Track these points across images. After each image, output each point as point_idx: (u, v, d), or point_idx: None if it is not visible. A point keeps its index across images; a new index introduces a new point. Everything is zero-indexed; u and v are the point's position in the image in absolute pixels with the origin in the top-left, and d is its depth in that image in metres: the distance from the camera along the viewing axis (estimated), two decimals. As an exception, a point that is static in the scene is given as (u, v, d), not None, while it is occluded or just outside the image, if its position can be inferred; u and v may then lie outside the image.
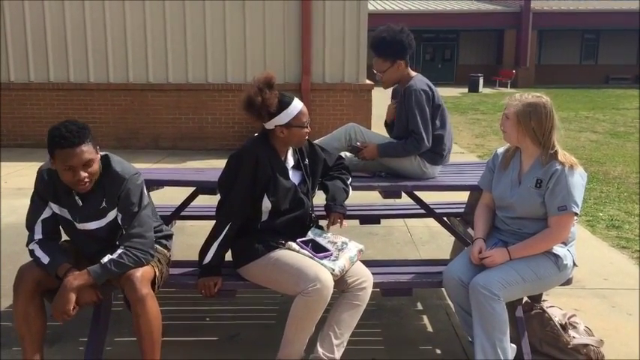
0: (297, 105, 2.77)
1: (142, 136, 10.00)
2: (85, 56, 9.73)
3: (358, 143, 3.46)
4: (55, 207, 2.66)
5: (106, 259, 2.54)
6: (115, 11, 9.58)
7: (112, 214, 2.66)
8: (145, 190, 2.73)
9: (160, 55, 9.72)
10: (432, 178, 3.55)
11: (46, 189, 2.64)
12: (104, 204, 2.63)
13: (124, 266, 2.55)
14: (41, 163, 2.77)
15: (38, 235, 2.67)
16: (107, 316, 2.93)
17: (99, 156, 2.59)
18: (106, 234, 2.70)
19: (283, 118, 2.74)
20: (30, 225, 2.69)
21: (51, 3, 9.57)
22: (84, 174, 2.49)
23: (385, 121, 3.78)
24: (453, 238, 4.13)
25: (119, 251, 2.57)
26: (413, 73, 3.52)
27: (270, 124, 2.76)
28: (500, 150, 2.96)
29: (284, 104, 2.74)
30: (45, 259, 2.57)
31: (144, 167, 7.35)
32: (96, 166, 2.55)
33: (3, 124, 9.94)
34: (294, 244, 2.75)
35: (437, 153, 3.48)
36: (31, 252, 2.64)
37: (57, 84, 9.82)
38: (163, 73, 9.80)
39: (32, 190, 2.73)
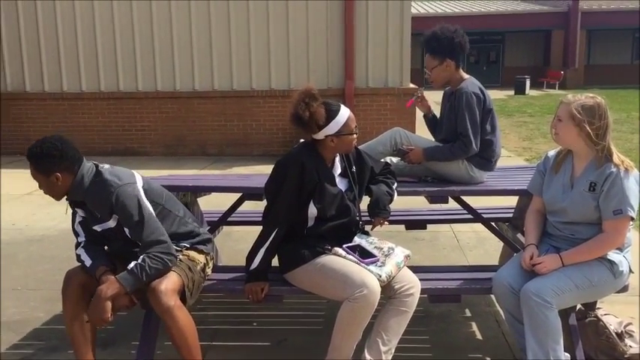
0: (344, 112, 2.77)
1: (188, 142, 10.18)
2: (134, 66, 9.98)
3: (404, 147, 3.43)
4: (79, 210, 2.78)
5: (132, 264, 2.57)
6: (162, 23, 9.80)
7: (110, 223, 2.68)
8: (144, 198, 2.68)
9: (205, 63, 9.89)
10: (480, 183, 3.49)
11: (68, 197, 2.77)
12: (96, 213, 2.69)
13: (150, 270, 2.55)
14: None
15: (82, 238, 2.78)
16: (158, 320, 2.97)
17: (51, 179, 2.63)
18: (116, 233, 2.73)
19: (333, 127, 2.73)
20: (73, 229, 2.83)
21: (102, 17, 9.86)
22: (42, 190, 2.68)
23: (424, 115, 3.74)
24: (500, 244, 4.05)
25: (142, 257, 2.58)
26: (465, 76, 3.47)
27: (319, 135, 2.76)
28: (551, 153, 2.89)
29: (332, 114, 2.73)
30: (87, 262, 2.67)
31: (191, 173, 7.49)
32: (50, 188, 2.66)
33: (56, 133, 10.24)
34: (340, 250, 2.75)
35: (486, 158, 3.42)
36: (78, 256, 2.75)
37: (107, 93, 10.11)
38: (209, 81, 9.96)
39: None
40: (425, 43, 3.46)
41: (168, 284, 2.58)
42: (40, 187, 2.67)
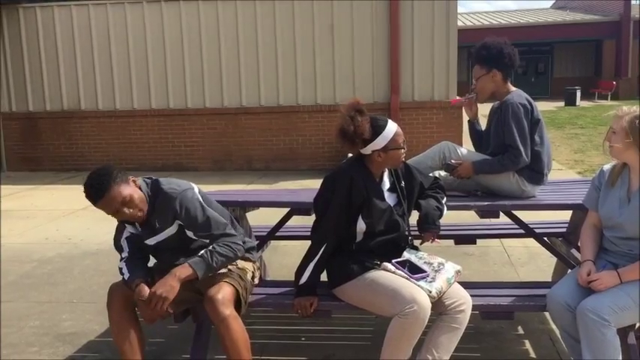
0: (392, 127, 2.76)
1: (235, 157, 10.33)
2: (184, 83, 10.23)
3: (453, 161, 3.38)
4: (129, 227, 2.84)
5: (201, 252, 2.66)
6: (210, 41, 10.03)
7: (169, 230, 2.77)
8: (202, 200, 2.79)
9: (252, 79, 10.06)
10: (532, 197, 3.41)
11: None
12: (157, 224, 2.75)
13: (220, 255, 2.65)
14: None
15: (125, 253, 2.84)
16: (208, 334, 3.02)
17: (133, 187, 2.69)
18: (173, 243, 2.80)
19: (380, 142, 2.73)
20: (117, 244, 2.88)
21: (153, 38, 10.15)
22: (128, 210, 2.65)
23: (468, 120, 3.69)
24: (553, 259, 3.95)
25: (212, 245, 2.68)
26: (512, 88, 3.42)
27: (366, 150, 2.75)
28: (607, 167, 2.81)
29: (379, 129, 2.73)
30: (126, 275, 2.74)
31: (238, 188, 7.58)
32: (135, 198, 2.67)
33: (109, 149, 10.60)
34: (389, 265, 2.73)
35: (536, 171, 3.34)
36: (120, 269, 2.81)
37: (158, 110, 10.37)
38: (256, 97, 10.11)
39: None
40: (475, 52, 3.45)
41: (225, 294, 2.64)
42: (125, 207, 2.65)
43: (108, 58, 10.37)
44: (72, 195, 8.30)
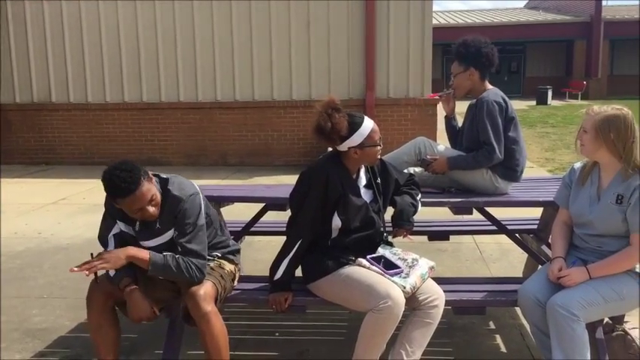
0: (368, 124, 2.77)
1: (210, 152, 10.26)
2: (157, 77, 10.12)
3: (428, 156, 3.42)
4: (122, 225, 2.76)
5: (167, 253, 2.62)
6: (185, 34, 9.93)
7: (169, 234, 2.72)
8: (204, 210, 2.76)
9: (227, 74, 9.99)
10: (504, 194, 3.46)
11: (113, 208, 2.72)
12: (158, 225, 2.70)
13: (178, 268, 2.60)
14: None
15: (111, 248, 2.75)
16: (181, 329, 3.00)
17: (155, 184, 2.65)
18: (165, 248, 2.75)
19: (356, 139, 2.73)
20: (103, 240, 2.79)
21: (126, 29, 10.02)
22: (152, 209, 2.60)
23: (445, 116, 3.73)
24: (524, 256, 4.02)
25: (178, 255, 2.63)
26: (489, 87, 3.47)
27: (343, 147, 2.76)
28: (578, 165, 2.86)
29: (355, 125, 2.73)
30: (112, 271, 2.66)
31: (212, 184, 7.55)
32: (158, 196, 2.63)
33: (81, 143, 10.44)
34: (364, 261, 2.74)
35: (510, 168, 3.39)
36: None
37: (131, 103, 10.25)
38: (231, 92, 10.06)
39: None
40: (454, 48, 3.49)
41: (207, 290, 2.63)
42: (152, 201, 2.59)
43: (80, 50, 10.20)
44: (42, 189, 8.16)
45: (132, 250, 2.59)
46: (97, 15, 10.06)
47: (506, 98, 3.42)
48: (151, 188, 2.58)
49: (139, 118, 10.30)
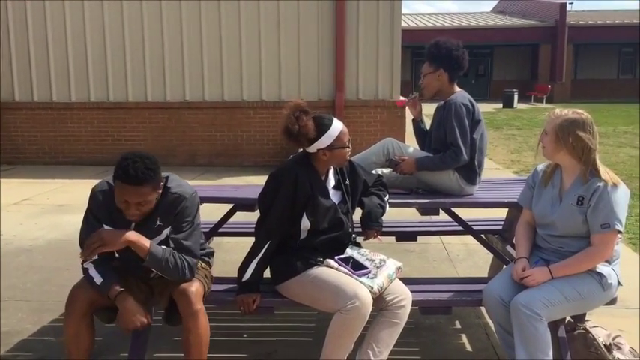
0: (337, 126, 2.78)
1: (178, 153, 10.17)
2: (124, 76, 9.98)
3: (396, 157, 3.45)
4: (108, 227, 2.64)
5: (166, 247, 2.58)
6: (153, 33, 9.82)
7: (166, 232, 2.67)
8: (199, 210, 2.75)
9: (195, 73, 9.91)
10: (470, 195, 3.52)
11: (100, 210, 2.63)
12: (159, 222, 2.63)
13: (173, 265, 2.57)
14: (82, 181, 2.82)
15: (94, 255, 2.65)
16: (147, 331, 2.97)
17: (158, 193, 2.58)
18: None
19: (325, 141, 2.75)
20: (83, 242, 2.65)
21: (92, 25, 9.86)
22: (135, 211, 2.51)
23: (413, 119, 3.77)
24: (490, 256, 4.08)
25: (175, 252, 2.60)
26: (457, 89, 3.52)
27: (312, 149, 2.77)
28: (540, 167, 2.93)
29: (324, 127, 2.75)
30: (98, 279, 2.57)
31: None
32: (150, 205, 2.55)
33: (45, 142, 10.24)
34: (332, 262, 2.75)
35: (473, 171, 3.45)
36: (85, 270, 2.64)
37: (97, 103, 10.08)
38: (199, 92, 9.98)
39: (78, 206, 2.79)
40: (426, 48, 3.53)
41: (198, 289, 2.62)
42: (140, 206, 2.50)
43: (44, 48, 9.99)
44: (4, 189, 7.96)
45: (133, 236, 2.50)
46: (62, 13, 9.87)
47: (474, 101, 3.47)
48: (148, 194, 2.49)
49: (106, 117, 10.15)
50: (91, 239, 2.46)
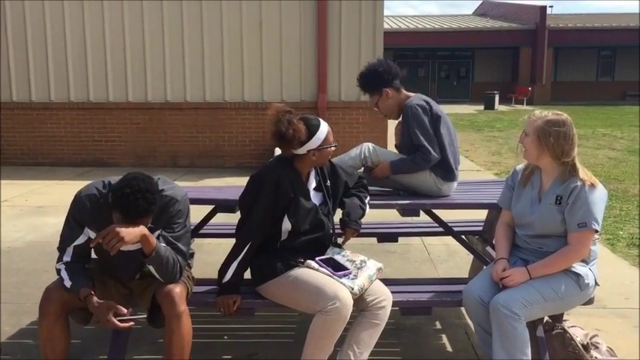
0: (324, 127, 2.82)
1: (159, 154, 10.10)
2: (105, 76, 9.89)
3: (369, 164, 3.48)
4: (91, 233, 2.61)
5: (168, 247, 2.57)
6: (134, 32, 9.75)
7: (157, 234, 2.65)
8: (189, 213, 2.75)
9: (177, 74, 9.86)
10: (448, 196, 3.54)
11: (84, 215, 2.59)
12: (150, 224, 2.58)
13: (171, 264, 2.56)
14: (62, 182, 2.78)
15: (67, 258, 2.64)
16: (127, 334, 2.94)
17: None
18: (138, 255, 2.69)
19: (315, 142, 2.76)
20: (62, 247, 2.65)
21: (72, 25, 9.76)
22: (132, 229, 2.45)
23: (395, 144, 3.80)
24: (470, 257, 4.11)
25: (172, 252, 2.58)
26: (411, 94, 3.58)
27: (301, 150, 2.78)
28: (520, 167, 2.95)
29: (313, 128, 2.77)
30: (67, 282, 2.56)
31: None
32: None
33: (24, 143, 10.10)
34: (313, 263, 2.75)
35: (448, 168, 3.48)
36: (58, 271, 2.63)
37: (77, 103, 9.98)
38: (181, 92, 9.92)
39: (57, 207, 2.75)
40: (360, 87, 3.60)
41: (182, 290, 2.62)
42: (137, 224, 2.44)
43: (24, 47, 9.87)
44: (-18, 190, 7.85)
45: (145, 230, 2.46)
46: (41, 12, 9.76)
47: (430, 100, 3.53)
48: (144, 223, 2.47)
49: (86, 118, 10.04)
50: (108, 237, 2.36)
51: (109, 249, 2.37)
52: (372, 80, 3.53)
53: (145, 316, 2.67)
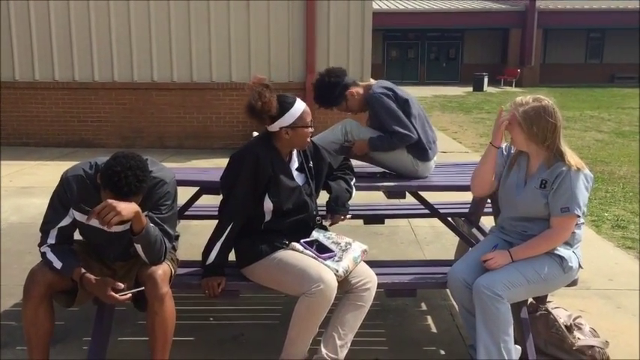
0: (299, 106, 2.78)
1: (146, 135, 10.01)
2: (90, 55, 9.75)
3: (347, 143, 3.49)
4: (77, 215, 2.58)
5: (156, 227, 2.55)
6: (120, 11, 9.59)
7: (145, 215, 2.61)
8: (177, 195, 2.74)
9: (164, 54, 9.73)
10: (426, 177, 3.56)
11: (70, 197, 2.55)
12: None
13: (159, 245, 2.55)
14: (47, 163, 2.75)
15: (51, 240, 2.60)
16: (111, 316, 2.93)
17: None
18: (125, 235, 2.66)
19: (287, 119, 2.73)
20: (46, 229, 2.61)
21: (56, 3, 9.59)
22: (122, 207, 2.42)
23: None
24: (457, 239, 4.12)
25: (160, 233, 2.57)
26: (372, 82, 3.57)
27: (274, 127, 2.75)
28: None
29: (287, 105, 2.74)
30: (57, 264, 2.53)
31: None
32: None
33: (8, 123, 9.97)
34: (297, 245, 2.75)
35: (422, 148, 3.49)
36: (43, 254, 2.59)
37: (62, 83, 9.84)
38: (168, 73, 9.81)
39: (42, 188, 2.71)
40: (325, 107, 3.62)
41: (165, 272, 2.60)
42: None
43: (7, 25, 9.68)
44: (-35, 171, 7.75)
45: (137, 207, 2.43)
46: (24, -11, 9.57)
47: (393, 86, 3.53)
48: (135, 201, 2.43)
49: (71, 98, 9.90)
50: (105, 211, 2.30)
51: (104, 224, 2.32)
52: (330, 93, 3.52)
53: (143, 288, 2.63)
